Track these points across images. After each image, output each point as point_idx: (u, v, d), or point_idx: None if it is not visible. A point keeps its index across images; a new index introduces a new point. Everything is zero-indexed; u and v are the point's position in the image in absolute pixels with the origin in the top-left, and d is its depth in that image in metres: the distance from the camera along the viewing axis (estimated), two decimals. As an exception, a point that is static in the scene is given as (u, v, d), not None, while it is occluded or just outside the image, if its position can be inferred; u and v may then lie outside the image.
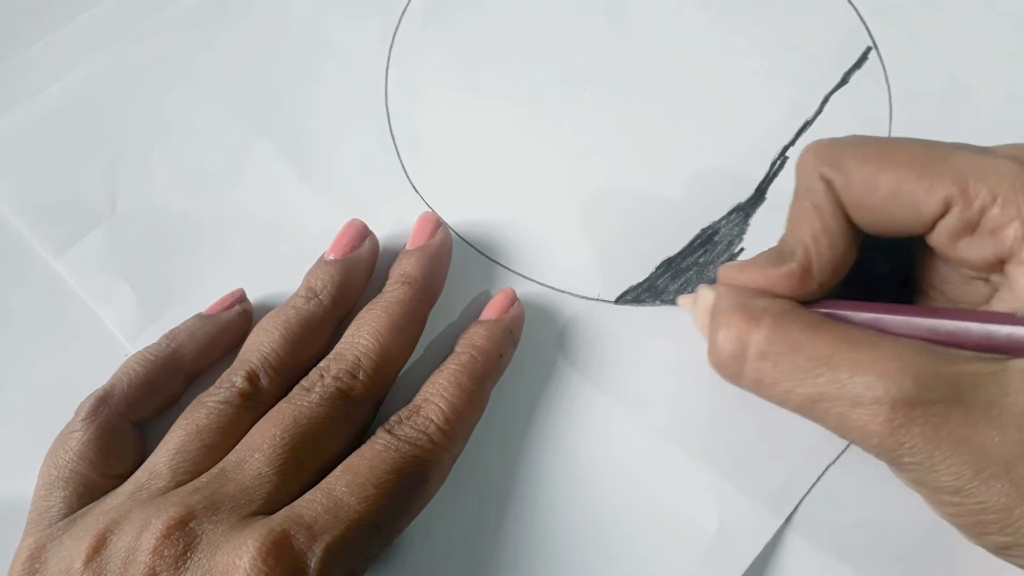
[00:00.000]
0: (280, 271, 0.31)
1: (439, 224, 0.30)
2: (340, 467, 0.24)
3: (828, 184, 0.24)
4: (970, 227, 0.22)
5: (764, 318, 0.23)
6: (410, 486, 0.25)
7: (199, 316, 0.29)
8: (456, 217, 0.32)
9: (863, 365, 0.22)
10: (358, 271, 0.29)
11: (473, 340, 0.28)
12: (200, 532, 0.22)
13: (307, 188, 0.33)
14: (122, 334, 0.30)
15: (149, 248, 0.32)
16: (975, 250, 0.23)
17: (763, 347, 0.23)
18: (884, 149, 0.23)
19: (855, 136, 0.24)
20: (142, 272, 0.31)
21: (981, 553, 0.27)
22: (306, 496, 0.24)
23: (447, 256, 0.30)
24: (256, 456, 0.24)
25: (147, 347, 0.28)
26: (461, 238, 0.32)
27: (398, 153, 0.33)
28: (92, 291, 0.31)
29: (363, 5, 0.36)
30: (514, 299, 0.30)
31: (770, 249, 0.25)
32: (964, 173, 0.22)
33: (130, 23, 0.35)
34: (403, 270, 0.29)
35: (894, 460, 0.22)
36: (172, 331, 0.28)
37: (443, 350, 0.29)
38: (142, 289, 0.31)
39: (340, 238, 0.30)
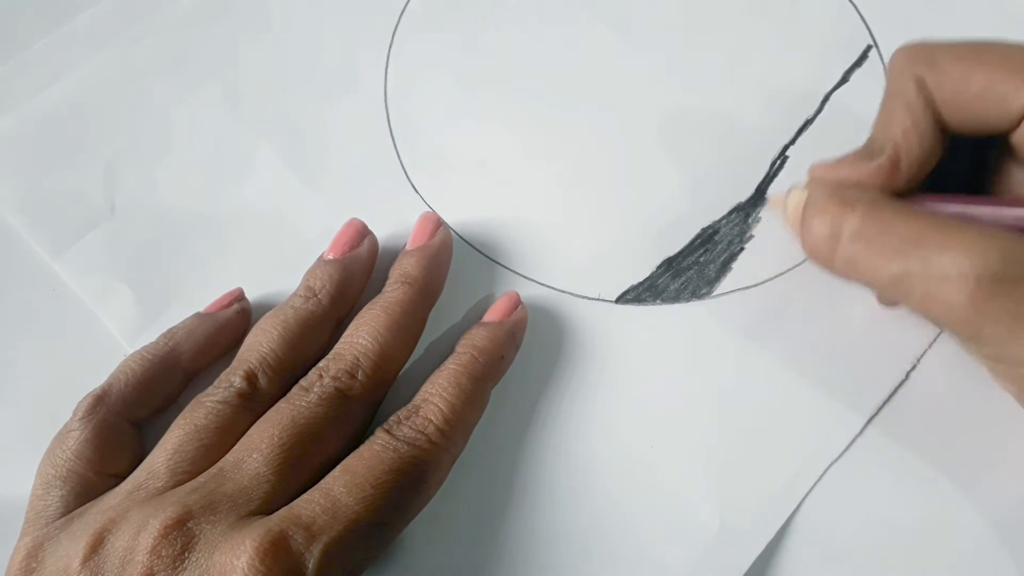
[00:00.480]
0: (280, 271, 0.31)
1: (439, 224, 0.30)
2: (339, 467, 0.24)
3: (920, 83, 0.25)
4: None
5: (858, 204, 0.24)
6: (408, 486, 0.24)
7: (197, 315, 0.29)
8: (456, 217, 0.32)
9: (951, 243, 0.22)
10: (357, 271, 0.29)
11: (475, 341, 0.28)
12: (198, 532, 0.22)
13: (307, 188, 0.33)
14: (121, 335, 0.30)
15: (148, 249, 0.32)
16: None
17: (857, 228, 0.24)
18: (977, 49, 0.24)
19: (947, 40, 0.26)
20: (141, 273, 0.31)
21: (980, 552, 0.27)
22: (304, 496, 0.23)
23: (447, 256, 0.30)
24: (254, 456, 0.24)
25: (145, 346, 0.28)
26: (461, 238, 0.32)
27: (398, 153, 0.33)
28: (91, 292, 0.31)
29: (362, 5, 0.36)
30: (518, 303, 0.30)
31: (858, 148, 0.26)
32: None
33: (130, 23, 0.35)
34: (403, 270, 0.29)
35: (974, 335, 0.23)
36: (170, 330, 0.28)
37: (444, 351, 0.28)
38: (141, 290, 0.31)
39: (339, 237, 0.30)
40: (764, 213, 0.31)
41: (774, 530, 0.28)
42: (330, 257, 0.29)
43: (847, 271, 0.25)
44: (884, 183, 0.25)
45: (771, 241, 0.31)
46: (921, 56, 0.25)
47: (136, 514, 0.23)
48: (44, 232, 0.32)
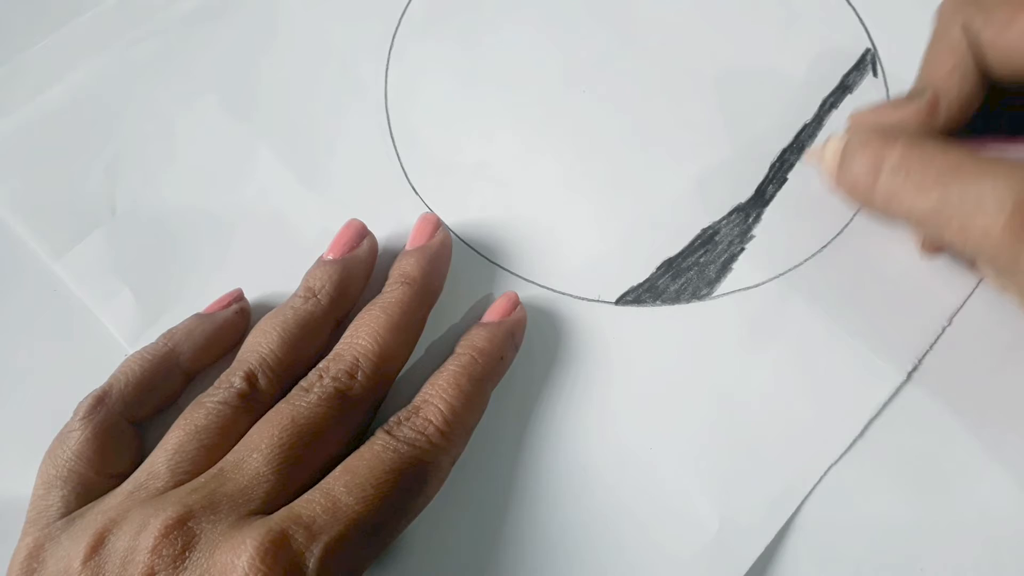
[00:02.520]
0: (280, 272, 0.31)
1: (439, 225, 0.30)
2: (339, 467, 0.24)
3: (966, 26, 0.26)
4: None
5: (900, 138, 0.25)
6: (409, 487, 0.24)
7: (196, 315, 0.29)
8: (455, 218, 0.32)
9: (988, 172, 0.23)
10: (357, 271, 0.29)
11: (474, 342, 0.28)
12: (199, 531, 0.22)
13: (307, 189, 0.33)
14: (121, 336, 0.30)
15: (149, 250, 0.32)
16: None
17: (897, 161, 0.25)
18: None
19: None
20: (141, 274, 0.31)
21: (980, 553, 0.27)
22: (305, 496, 0.23)
23: (447, 257, 0.30)
24: (254, 456, 0.24)
25: (145, 347, 0.28)
26: (461, 239, 0.32)
27: (398, 154, 0.33)
28: (91, 293, 0.31)
29: (363, 6, 0.36)
30: (516, 303, 0.30)
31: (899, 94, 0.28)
32: None
33: (130, 25, 0.35)
34: (402, 270, 0.29)
35: (1009, 264, 0.23)
36: (169, 331, 0.28)
37: (443, 352, 0.29)
38: (141, 291, 0.31)
39: (339, 238, 0.30)
40: (806, 158, 0.31)
41: (774, 532, 0.27)
42: (330, 258, 0.29)
43: (886, 204, 0.25)
44: (922, 124, 0.26)
45: (771, 242, 0.31)
46: (970, 0, 0.26)
47: (137, 514, 0.23)
48: (45, 234, 0.32)
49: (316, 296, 0.28)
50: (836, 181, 0.27)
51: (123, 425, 0.27)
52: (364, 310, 0.28)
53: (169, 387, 0.28)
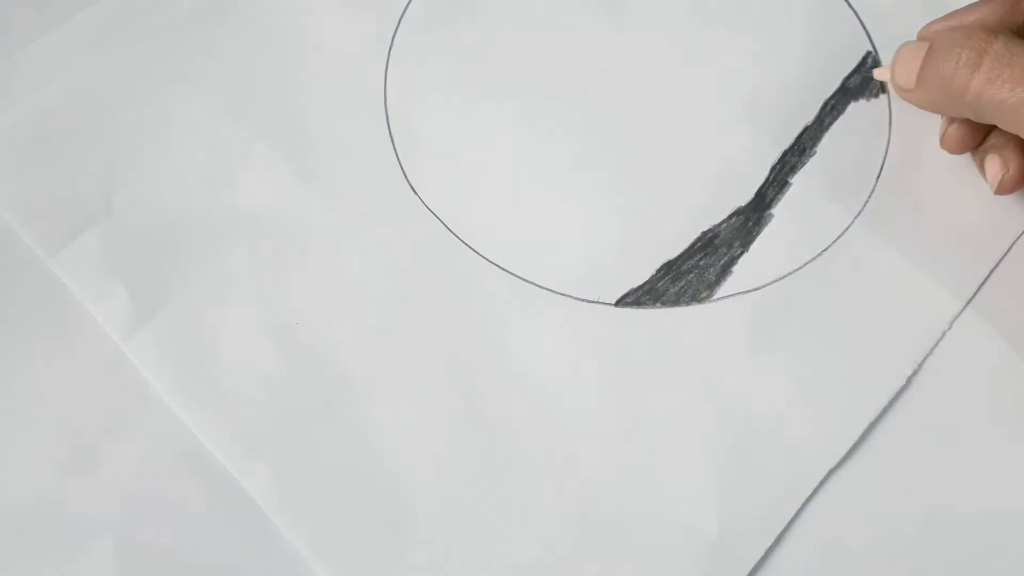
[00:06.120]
0: (277, 273, 0.31)
1: None
2: None
3: None
4: None
5: (1000, 35, 0.26)
6: None
7: None
8: (455, 219, 0.32)
9: None
10: None
11: None
12: None
13: (305, 190, 0.32)
14: (116, 334, 0.30)
15: (144, 249, 0.31)
16: None
17: (1001, 51, 0.26)
18: None
19: None
20: (137, 273, 0.31)
21: (981, 556, 0.27)
22: None
23: None
24: None
25: None
26: (460, 240, 0.32)
27: (397, 156, 0.33)
28: (86, 291, 0.31)
29: (362, 7, 0.36)
30: None
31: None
32: None
33: (128, 22, 0.35)
34: None
35: None
36: None
37: (438, 351, 0.28)
38: (137, 290, 0.31)
39: None
40: (876, 75, 0.33)
41: (774, 535, 0.27)
42: None
43: (981, 91, 0.26)
44: (1001, 20, 0.28)
45: (771, 245, 0.31)
46: None
47: None
48: (40, 231, 0.31)
49: None
50: (920, 76, 0.28)
51: None
52: None
53: None
